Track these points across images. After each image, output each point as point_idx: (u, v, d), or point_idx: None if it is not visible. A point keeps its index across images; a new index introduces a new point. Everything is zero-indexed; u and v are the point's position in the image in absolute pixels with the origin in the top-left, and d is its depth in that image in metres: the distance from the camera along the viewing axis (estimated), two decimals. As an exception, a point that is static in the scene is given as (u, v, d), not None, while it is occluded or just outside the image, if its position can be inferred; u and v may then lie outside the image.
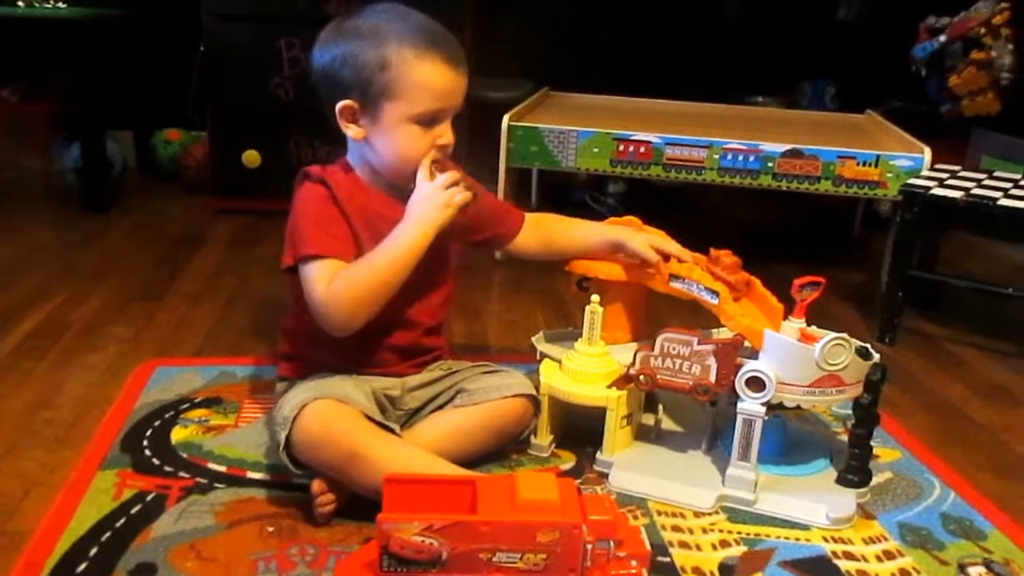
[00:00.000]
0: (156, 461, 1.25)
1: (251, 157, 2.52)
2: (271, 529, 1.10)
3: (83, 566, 1.02)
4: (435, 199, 1.16)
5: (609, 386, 1.26)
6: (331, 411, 1.11)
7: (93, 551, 1.04)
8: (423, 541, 0.93)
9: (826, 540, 1.15)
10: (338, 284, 1.13)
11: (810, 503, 1.19)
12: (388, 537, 0.93)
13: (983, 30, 2.45)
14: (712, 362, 1.18)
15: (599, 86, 2.81)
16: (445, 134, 1.19)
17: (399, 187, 1.21)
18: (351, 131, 1.19)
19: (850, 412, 1.25)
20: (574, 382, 1.29)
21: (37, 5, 2.65)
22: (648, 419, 1.36)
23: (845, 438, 1.29)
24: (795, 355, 1.15)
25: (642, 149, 2.15)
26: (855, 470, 1.24)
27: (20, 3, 2.62)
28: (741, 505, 1.20)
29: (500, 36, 3.01)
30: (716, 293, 1.26)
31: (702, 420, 1.36)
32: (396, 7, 1.19)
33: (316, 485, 1.11)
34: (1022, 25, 2.47)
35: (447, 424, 1.24)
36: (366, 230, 1.19)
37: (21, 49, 2.47)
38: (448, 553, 0.93)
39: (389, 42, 1.14)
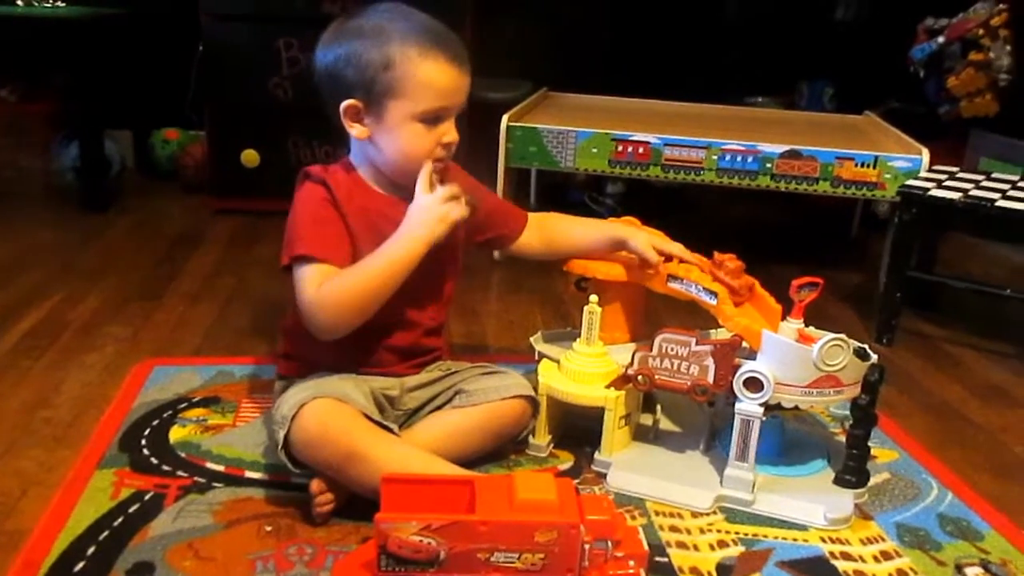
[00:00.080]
0: (154, 460, 1.25)
1: (250, 157, 2.52)
2: (269, 528, 1.11)
3: (81, 565, 1.02)
4: (432, 212, 1.16)
5: (607, 386, 1.26)
6: (330, 410, 1.11)
7: (91, 550, 1.04)
8: (421, 541, 0.93)
9: (824, 540, 1.15)
10: (328, 288, 1.13)
11: (808, 504, 1.19)
12: (386, 537, 0.93)
13: (981, 31, 2.45)
14: (710, 363, 1.18)
15: (598, 86, 2.82)
16: (449, 132, 1.20)
17: (403, 186, 1.21)
18: (355, 130, 1.19)
19: (848, 413, 1.25)
20: (572, 382, 1.29)
21: (36, 4, 2.65)
22: (646, 419, 1.36)
23: (843, 439, 1.29)
24: (793, 356, 1.15)
25: (641, 150, 2.15)
26: (853, 471, 1.24)
27: (19, 2, 2.62)
28: (739, 505, 1.21)
29: (499, 36, 3.01)
30: (714, 294, 1.26)
31: (700, 420, 1.36)
32: (398, 7, 1.19)
33: (315, 485, 1.11)
34: (1020, 26, 2.47)
35: (445, 425, 1.24)
36: (366, 230, 1.20)
37: (20, 48, 2.47)
38: (446, 553, 0.93)
39: (392, 41, 1.14)
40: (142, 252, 2.22)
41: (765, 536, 1.15)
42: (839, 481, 1.25)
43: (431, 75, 1.15)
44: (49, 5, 2.68)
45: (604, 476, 1.26)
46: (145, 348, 1.64)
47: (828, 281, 1.22)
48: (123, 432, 1.32)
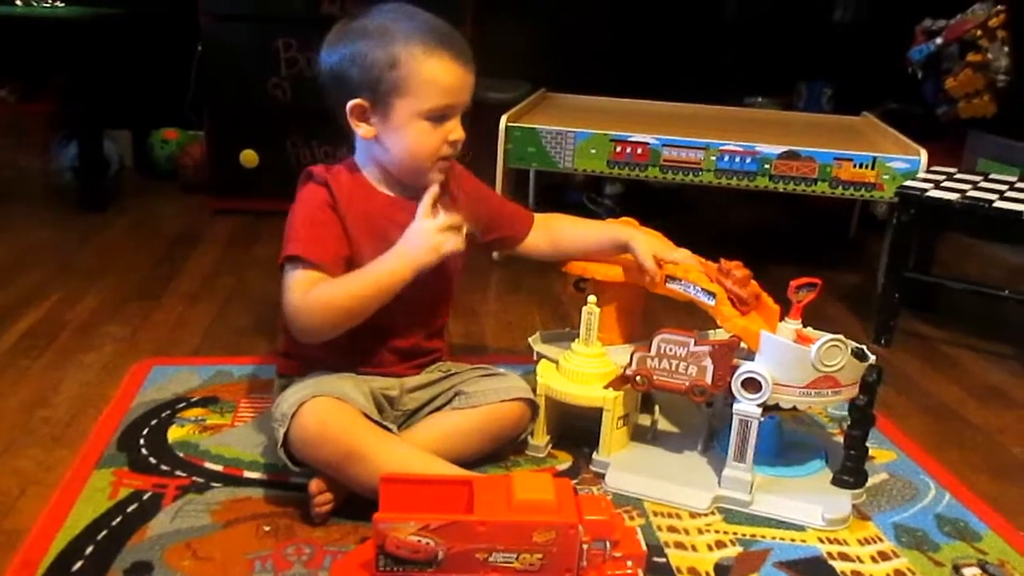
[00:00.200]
0: (152, 460, 1.25)
1: (248, 157, 2.52)
2: (267, 528, 1.11)
3: (79, 564, 1.02)
4: (427, 240, 1.16)
5: (606, 387, 1.26)
6: (329, 409, 1.11)
7: (89, 550, 1.04)
8: (419, 541, 0.93)
9: (821, 541, 1.15)
10: (313, 296, 1.14)
11: (806, 504, 1.20)
12: (384, 537, 0.93)
13: (979, 32, 2.46)
14: (708, 363, 1.18)
15: (596, 87, 2.82)
16: (456, 130, 1.20)
17: (409, 186, 1.22)
18: (361, 130, 1.20)
19: (846, 413, 1.25)
20: (571, 383, 1.29)
21: (35, 4, 2.65)
22: (644, 420, 1.36)
23: (841, 439, 1.29)
24: (791, 356, 1.15)
25: (639, 150, 2.15)
26: (851, 471, 1.24)
27: (18, 2, 2.62)
28: (737, 506, 1.21)
29: (499, 36, 3.00)
30: (712, 294, 1.26)
31: (698, 421, 1.37)
32: (402, 7, 1.20)
33: (314, 485, 1.11)
34: (1018, 28, 2.47)
35: (444, 426, 1.24)
36: (367, 234, 1.20)
37: (19, 48, 2.47)
38: (444, 553, 0.94)
39: (397, 40, 1.15)
40: (141, 252, 2.22)
41: (763, 536, 1.16)
42: (837, 482, 1.25)
43: (436, 73, 1.15)
44: (48, 5, 2.68)
45: (602, 476, 1.26)
46: (144, 348, 1.64)
47: (826, 282, 1.22)
48: (121, 432, 1.32)
